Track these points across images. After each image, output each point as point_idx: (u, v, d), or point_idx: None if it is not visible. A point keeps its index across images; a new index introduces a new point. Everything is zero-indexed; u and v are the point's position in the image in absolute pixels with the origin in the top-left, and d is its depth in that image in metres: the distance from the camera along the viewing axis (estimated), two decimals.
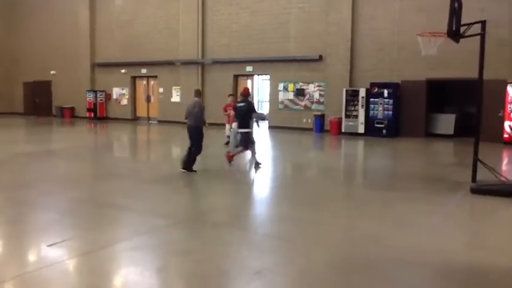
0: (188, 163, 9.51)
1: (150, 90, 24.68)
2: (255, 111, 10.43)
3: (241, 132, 10.29)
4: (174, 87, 23.31)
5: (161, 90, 23.90)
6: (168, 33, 23.00)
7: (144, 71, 24.26)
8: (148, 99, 24.78)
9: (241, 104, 10.33)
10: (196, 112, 9.55)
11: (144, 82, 24.88)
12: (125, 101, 25.33)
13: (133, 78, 24.94)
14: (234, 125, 12.82)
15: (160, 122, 23.74)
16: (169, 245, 5.37)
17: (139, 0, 23.89)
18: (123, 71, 24.85)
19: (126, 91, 25.18)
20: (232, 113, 12.56)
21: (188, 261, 4.88)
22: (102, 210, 6.88)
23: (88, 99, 25.39)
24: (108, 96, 25.63)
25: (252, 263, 4.82)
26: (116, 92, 25.53)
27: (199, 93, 10.33)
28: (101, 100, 25.49)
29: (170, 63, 22.89)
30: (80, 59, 26.06)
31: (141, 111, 25.14)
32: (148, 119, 24.75)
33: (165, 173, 9.87)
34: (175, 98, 23.27)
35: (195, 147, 9.62)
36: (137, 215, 6.55)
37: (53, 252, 5.05)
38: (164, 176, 9.55)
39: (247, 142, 10.20)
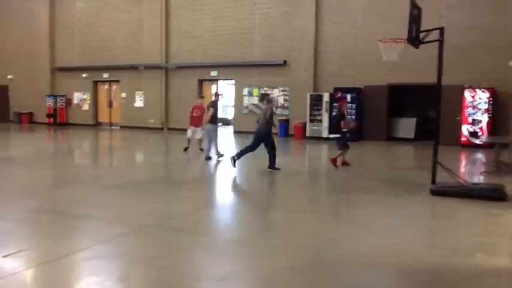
0: (271, 163, 10.55)
1: (113, 95, 24.23)
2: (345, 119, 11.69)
3: (335, 137, 11.47)
4: (137, 92, 22.96)
5: (124, 95, 23.50)
6: (131, 37, 22.67)
7: (106, 75, 23.81)
8: (110, 105, 24.32)
9: (334, 114, 11.72)
10: (263, 117, 10.55)
11: (106, 87, 24.41)
12: (86, 106, 24.77)
13: (95, 82, 24.44)
14: (199, 129, 13.53)
15: (122, 127, 23.33)
16: (131, 253, 5.25)
17: (102, 3, 23.45)
18: (84, 75, 24.31)
19: (87, 96, 24.63)
20: (198, 113, 13.49)
21: (150, 269, 4.77)
22: (61, 219, 6.66)
23: (48, 104, 24.67)
24: (69, 101, 25.00)
25: (216, 270, 4.76)
26: (77, 96, 24.95)
27: (268, 100, 11.45)
28: (61, 105, 24.83)
29: (133, 68, 22.56)
30: (39, 62, 25.32)
31: (103, 117, 24.64)
32: (111, 124, 24.28)
33: (127, 180, 9.67)
34: (139, 103, 22.93)
35: (252, 146, 10.70)
36: (97, 223, 6.37)
37: (8, 263, 4.84)
38: (126, 182, 9.35)
39: (345, 143, 11.33)
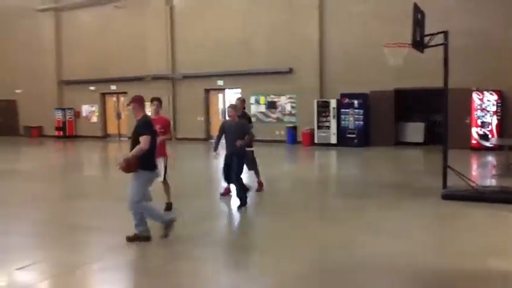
0: None
1: (120, 106, 24.38)
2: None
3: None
4: (145, 103, 23.03)
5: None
6: (137, 49, 22.82)
7: (113, 87, 23.97)
8: (118, 116, 24.46)
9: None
10: None
11: (114, 98, 24.57)
12: (94, 119, 24.93)
13: (103, 94, 24.60)
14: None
15: (129, 138, 23.39)
16: (141, 264, 5.27)
17: (107, 16, 23.66)
18: (92, 87, 24.49)
19: (95, 108, 24.80)
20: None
21: (159, 280, 4.78)
22: (71, 231, 6.69)
23: (56, 117, 24.87)
24: (77, 114, 25.18)
25: (224, 278, 4.76)
26: (85, 109, 25.12)
27: None
28: (69, 118, 25.02)
29: (140, 79, 22.68)
30: (46, 76, 25.54)
31: (112, 128, 24.78)
32: (119, 136, 24.40)
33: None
34: (147, 113, 23.00)
35: None
36: (107, 235, 6.39)
37: (22, 276, 4.89)
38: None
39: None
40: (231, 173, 7.84)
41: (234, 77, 20.43)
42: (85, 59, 24.50)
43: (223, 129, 8.13)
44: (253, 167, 9.02)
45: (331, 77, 18.48)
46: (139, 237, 5.84)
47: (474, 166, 12.88)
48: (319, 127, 18.08)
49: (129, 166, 5.80)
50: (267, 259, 5.31)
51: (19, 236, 6.39)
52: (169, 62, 21.95)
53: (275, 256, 5.38)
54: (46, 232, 6.70)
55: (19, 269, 5.02)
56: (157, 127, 7.34)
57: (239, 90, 21.04)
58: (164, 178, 7.50)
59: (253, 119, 19.85)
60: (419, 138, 17.46)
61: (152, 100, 8.20)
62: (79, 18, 24.72)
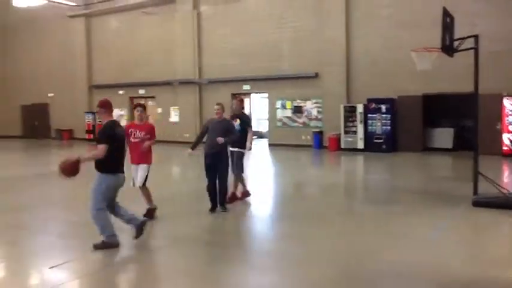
0: None
1: (149, 110, 24.76)
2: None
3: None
4: (172, 108, 23.41)
5: (159, 110, 23.98)
6: (164, 54, 23.18)
7: (142, 91, 24.39)
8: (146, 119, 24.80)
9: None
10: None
11: (143, 103, 24.97)
12: (123, 122, 25.36)
13: (132, 99, 25.04)
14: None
15: (158, 142, 23.67)
16: (167, 265, 5.35)
17: (135, 22, 24.13)
18: (121, 92, 24.97)
19: (125, 112, 25.27)
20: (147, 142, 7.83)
21: (185, 281, 4.85)
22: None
23: (87, 120, 25.47)
24: None
25: (252, 282, 4.79)
26: (114, 113, 25.44)
27: None
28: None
29: (167, 84, 23.03)
30: (77, 81, 26.21)
31: None
32: None
33: (165, 195, 9.82)
34: (174, 118, 23.35)
35: None
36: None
37: (54, 275, 5.03)
38: (164, 197, 9.50)
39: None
40: (213, 174, 7.63)
41: (260, 81, 20.52)
42: (114, 63, 25.03)
43: (207, 128, 7.89)
44: (237, 170, 8.46)
45: (357, 82, 18.36)
46: (107, 245, 5.66)
47: (506, 173, 12.59)
48: (345, 132, 17.98)
49: (71, 168, 5.63)
50: (295, 263, 5.33)
51: (52, 236, 6.58)
52: (196, 67, 22.21)
53: (303, 261, 5.39)
54: (80, 232, 6.86)
55: (52, 267, 5.17)
56: (142, 133, 7.62)
57: (266, 94, 21.14)
58: (144, 184, 7.46)
59: (279, 124, 20.15)
60: (448, 144, 17.16)
61: (135, 106, 7.95)
62: (108, 24, 25.31)
